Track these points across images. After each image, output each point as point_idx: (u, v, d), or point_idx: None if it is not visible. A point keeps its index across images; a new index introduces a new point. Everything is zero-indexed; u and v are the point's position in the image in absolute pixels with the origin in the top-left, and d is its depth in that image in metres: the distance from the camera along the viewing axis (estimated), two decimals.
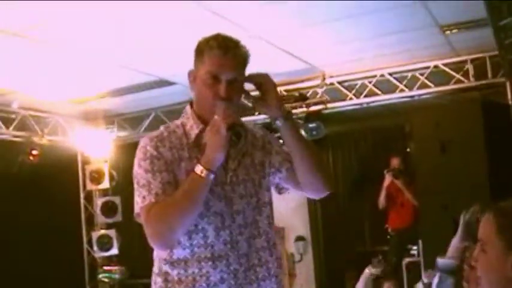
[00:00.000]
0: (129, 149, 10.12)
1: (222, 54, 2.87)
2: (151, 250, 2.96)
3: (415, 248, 8.84)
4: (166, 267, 2.87)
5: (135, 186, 2.85)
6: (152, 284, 2.95)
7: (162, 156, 2.84)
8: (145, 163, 2.83)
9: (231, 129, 2.75)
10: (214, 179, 2.78)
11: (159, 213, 2.74)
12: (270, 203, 3.05)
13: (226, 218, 2.86)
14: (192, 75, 2.96)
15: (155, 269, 2.94)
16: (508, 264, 1.99)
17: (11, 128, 8.79)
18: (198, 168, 2.73)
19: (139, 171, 2.85)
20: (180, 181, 2.81)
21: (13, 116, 8.83)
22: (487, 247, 2.07)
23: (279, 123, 3.05)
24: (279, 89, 8.81)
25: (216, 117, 2.77)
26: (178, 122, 3.02)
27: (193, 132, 2.92)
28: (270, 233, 3.00)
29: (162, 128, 3.02)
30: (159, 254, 2.91)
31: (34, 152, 8.93)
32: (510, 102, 7.40)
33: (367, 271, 8.28)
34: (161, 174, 2.81)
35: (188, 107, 3.03)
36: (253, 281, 2.90)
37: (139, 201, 2.81)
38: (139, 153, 2.89)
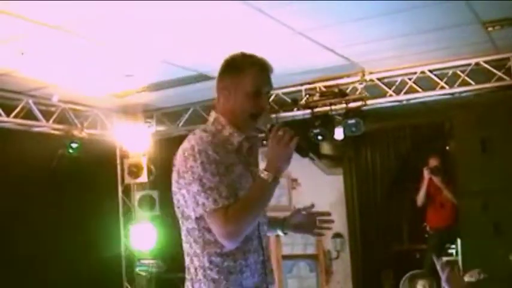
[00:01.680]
0: (167, 143, 10.20)
1: (263, 70, 3.32)
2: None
3: (453, 247, 8.78)
4: (217, 260, 3.15)
5: (199, 187, 3.07)
6: (200, 277, 3.18)
7: (223, 161, 3.11)
8: (211, 167, 3.07)
9: (298, 146, 3.12)
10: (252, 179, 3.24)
11: (237, 216, 3.06)
12: None
13: None
14: (231, 89, 3.31)
15: (204, 263, 3.17)
16: None
17: (50, 121, 8.86)
18: (268, 176, 3.10)
19: (205, 174, 3.06)
20: (233, 180, 3.13)
21: (53, 109, 8.90)
22: None
23: (281, 230, 3.68)
24: (318, 84, 8.81)
25: (280, 132, 3.12)
26: (211, 129, 3.30)
27: (235, 139, 3.26)
28: None
29: (203, 134, 3.21)
30: (208, 249, 3.15)
31: (73, 145, 8.99)
32: None
33: None
34: (226, 177, 3.09)
35: (219, 116, 3.34)
36: (269, 272, 3.33)
37: (209, 204, 3.05)
38: (200, 157, 3.09)
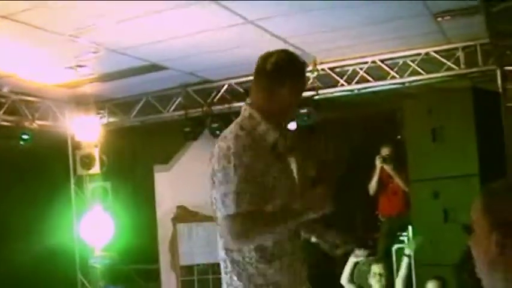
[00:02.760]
0: (120, 134, 10.14)
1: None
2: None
3: (404, 234, 8.87)
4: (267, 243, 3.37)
5: (226, 190, 3.23)
6: (245, 258, 3.37)
7: (254, 168, 3.24)
8: (242, 172, 3.21)
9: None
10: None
11: (250, 228, 3.24)
12: None
13: None
14: (288, 85, 3.46)
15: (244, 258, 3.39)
16: (491, 244, 2.01)
17: (1, 112, 8.74)
18: (302, 211, 3.38)
19: (234, 178, 3.21)
20: (266, 183, 3.28)
21: (3, 100, 8.79)
22: (475, 226, 2.10)
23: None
24: None
25: (323, 190, 3.45)
26: (247, 125, 3.40)
27: (271, 137, 3.40)
28: None
29: (240, 133, 3.34)
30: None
31: (25, 137, 8.89)
32: (500, 90, 7.40)
33: (352, 259, 8.33)
34: (253, 185, 3.22)
35: (254, 112, 3.47)
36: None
37: (232, 207, 3.20)
38: (234, 160, 3.22)
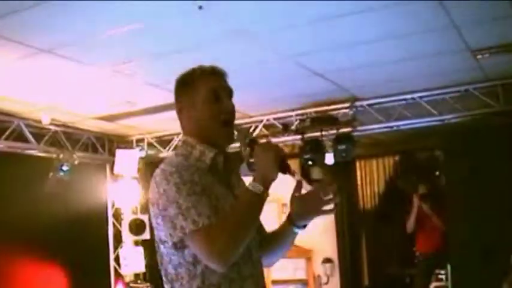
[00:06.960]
0: (157, 167, 10.18)
1: (214, 74, 3.13)
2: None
3: (443, 272, 8.80)
4: None
5: (175, 210, 2.76)
6: None
7: (198, 182, 2.82)
8: (186, 187, 2.78)
9: (283, 160, 2.85)
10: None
11: (225, 233, 2.71)
12: None
13: None
14: (189, 104, 3.11)
15: None
16: None
17: (41, 143, 8.85)
18: (257, 187, 2.77)
19: (180, 195, 2.77)
20: (212, 204, 2.80)
21: (44, 131, 8.90)
22: None
23: (296, 227, 3.15)
24: (309, 110, 8.76)
25: (266, 140, 2.85)
26: (182, 152, 3.04)
27: (207, 156, 2.97)
28: None
29: (174, 157, 3.02)
30: (192, 284, 2.84)
31: (64, 168, 8.98)
32: None
33: None
34: (204, 197, 2.79)
35: (188, 138, 3.08)
36: None
37: (188, 225, 2.72)
38: (173, 179, 2.81)
